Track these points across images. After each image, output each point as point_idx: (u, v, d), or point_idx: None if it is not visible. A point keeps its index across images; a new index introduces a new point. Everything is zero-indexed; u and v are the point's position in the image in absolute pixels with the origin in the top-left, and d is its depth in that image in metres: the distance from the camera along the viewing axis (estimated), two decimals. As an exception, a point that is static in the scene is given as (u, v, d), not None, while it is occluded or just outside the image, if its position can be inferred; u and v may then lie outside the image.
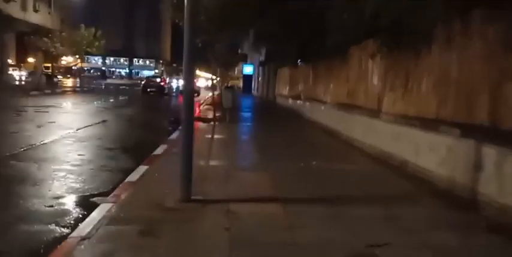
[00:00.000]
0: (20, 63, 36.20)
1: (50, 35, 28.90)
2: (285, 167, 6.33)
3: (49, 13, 31.17)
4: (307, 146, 8.61)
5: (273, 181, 5.42)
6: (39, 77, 30.45)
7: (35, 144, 7.83)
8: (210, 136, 9.29)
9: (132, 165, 6.33)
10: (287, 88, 18.55)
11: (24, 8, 27.96)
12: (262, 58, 32.07)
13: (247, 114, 16.57)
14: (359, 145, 8.37)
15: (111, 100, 22.78)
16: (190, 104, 4.47)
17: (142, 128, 11.67)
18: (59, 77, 39.60)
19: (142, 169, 5.90)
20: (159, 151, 7.35)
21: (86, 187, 5.15)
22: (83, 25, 34.68)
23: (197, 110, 17.81)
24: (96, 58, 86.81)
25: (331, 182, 5.62)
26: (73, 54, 37.38)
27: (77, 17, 41.16)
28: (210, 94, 27.41)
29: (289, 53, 13.40)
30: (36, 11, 29.25)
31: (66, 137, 8.94)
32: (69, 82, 42.62)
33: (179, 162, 4.45)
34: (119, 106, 19.26)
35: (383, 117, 7.39)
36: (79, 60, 43.42)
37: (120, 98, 25.29)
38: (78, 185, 5.22)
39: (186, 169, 4.38)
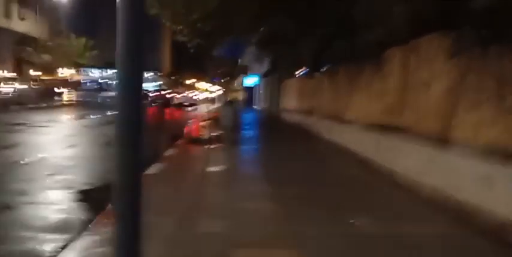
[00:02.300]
0: (19, 75, 33.91)
1: (34, 45, 26.71)
2: (317, 235, 3.90)
3: (36, 21, 29.15)
4: (335, 185, 6.18)
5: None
6: (25, 90, 28.23)
7: None
8: (202, 168, 6.91)
9: (70, 232, 3.95)
10: (295, 102, 16.20)
11: (8, 15, 25.90)
12: (264, 69, 29.94)
13: (250, 133, 14.15)
14: (410, 184, 5.94)
15: (100, 116, 20.45)
16: (132, 145, 2.00)
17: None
18: (57, 90, 36.93)
19: (77, 246, 3.49)
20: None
21: None
22: (73, 35, 32.57)
23: (194, 128, 15.46)
24: (93, 70, 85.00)
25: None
26: (63, 65, 35.21)
27: (71, 27, 39.17)
28: (210, 107, 25.17)
29: (301, 59, 11.06)
30: (22, 19, 27.19)
31: (5, 173, 6.54)
32: (64, 96, 40.10)
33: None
34: (106, 123, 16.88)
35: (457, 149, 4.99)
36: (75, 72, 41.45)
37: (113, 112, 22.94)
38: None
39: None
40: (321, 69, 12.16)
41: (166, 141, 12.12)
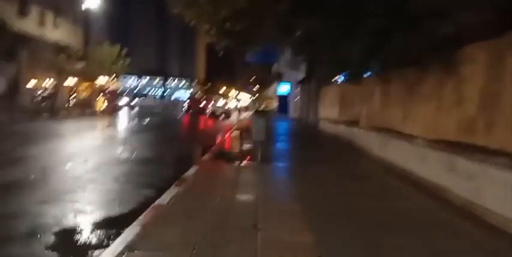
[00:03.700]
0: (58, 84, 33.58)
1: (67, 53, 26.34)
2: None
3: (70, 30, 29.02)
4: (406, 230, 4.53)
5: None
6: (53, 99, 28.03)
7: None
8: (228, 197, 5.46)
9: None
10: (336, 111, 14.53)
11: (42, 24, 25.79)
12: (300, 75, 28.44)
13: (284, 148, 12.61)
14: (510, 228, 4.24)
15: (130, 125, 19.60)
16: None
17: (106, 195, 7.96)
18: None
19: None
20: None
21: None
22: (106, 42, 32.33)
23: (223, 140, 14.16)
24: (131, 79, 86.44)
25: None
26: (99, 73, 34.97)
27: (106, 35, 39.25)
28: (242, 116, 23.94)
29: (345, 62, 9.44)
30: (56, 27, 27.07)
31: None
32: (99, 105, 39.38)
33: None
34: (133, 133, 15.88)
35: None
36: (113, 81, 41.42)
37: (136, 126, 22.11)
38: None
39: None
40: (367, 74, 10.51)
41: (193, 155, 10.82)
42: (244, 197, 5.55)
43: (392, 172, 7.82)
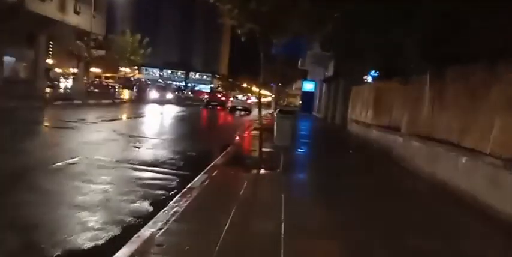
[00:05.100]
0: (87, 71, 32.90)
1: (85, 39, 25.40)
2: None
3: (93, 17, 28.13)
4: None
5: None
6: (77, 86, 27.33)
7: None
8: (241, 223, 4.08)
9: None
10: (370, 113, 12.94)
11: (62, 8, 24.95)
12: (327, 73, 26.85)
13: (310, 154, 11.14)
14: None
15: (150, 116, 18.51)
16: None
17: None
18: (116, 87, 35.28)
19: None
20: None
21: None
22: (128, 31, 31.37)
23: (241, 139, 12.81)
24: (154, 70, 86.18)
25: None
26: (120, 62, 34.19)
27: (129, 25, 38.42)
28: (263, 112, 22.60)
29: (395, 53, 7.89)
30: (77, 12, 26.19)
31: None
32: (126, 94, 37.95)
33: None
34: (138, 133, 14.72)
35: None
36: (136, 71, 40.86)
37: (155, 119, 21.05)
38: None
39: None
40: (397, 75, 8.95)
41: (206, 157, 9.48)
42: (262, 226, 4.16)
43: (448, 194, 6.27)
